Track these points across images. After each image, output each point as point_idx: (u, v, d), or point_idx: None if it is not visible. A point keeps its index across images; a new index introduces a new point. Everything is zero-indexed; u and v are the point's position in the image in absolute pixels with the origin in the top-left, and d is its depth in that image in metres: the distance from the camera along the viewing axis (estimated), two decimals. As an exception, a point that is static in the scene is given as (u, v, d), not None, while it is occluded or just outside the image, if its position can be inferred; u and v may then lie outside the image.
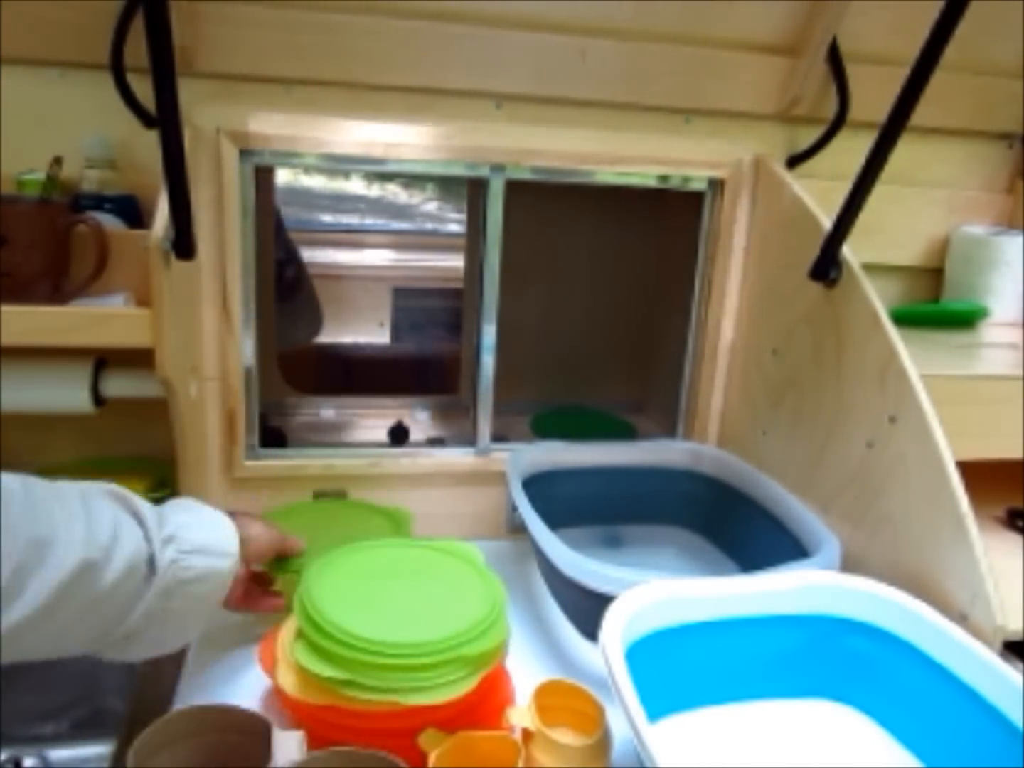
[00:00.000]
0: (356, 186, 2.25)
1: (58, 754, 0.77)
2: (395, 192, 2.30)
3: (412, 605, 0.65)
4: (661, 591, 0.64)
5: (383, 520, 0.90)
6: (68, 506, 0.54)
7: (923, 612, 0.65)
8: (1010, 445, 0.81)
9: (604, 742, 0.60)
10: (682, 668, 0.66)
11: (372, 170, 0.95)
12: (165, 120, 0.62)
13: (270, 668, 0.66)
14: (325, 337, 1.58)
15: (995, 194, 1.11)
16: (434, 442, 1.16)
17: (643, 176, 0.98)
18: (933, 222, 1.08)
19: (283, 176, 1.80)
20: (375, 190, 2.28)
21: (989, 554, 0.66)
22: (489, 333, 0.99)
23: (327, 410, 1.27)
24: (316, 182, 2.15)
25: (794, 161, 1.00)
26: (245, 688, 0.69)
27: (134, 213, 0.82)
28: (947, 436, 0.70)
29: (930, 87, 0.68)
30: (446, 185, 2.17)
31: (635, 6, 0.88)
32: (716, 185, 1.00)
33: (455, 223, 2.18)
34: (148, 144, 0.75)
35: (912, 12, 0.80)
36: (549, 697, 0.63)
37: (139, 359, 0.72)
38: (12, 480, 0.51)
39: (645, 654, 0.61)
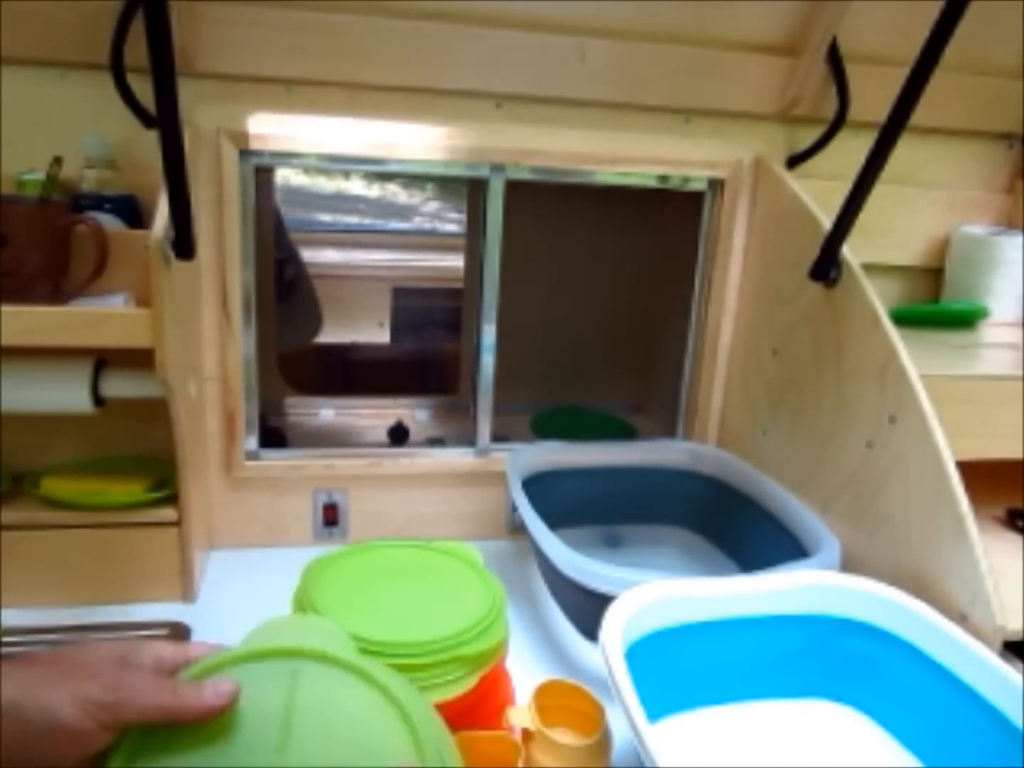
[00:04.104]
0: (356, 186, 2.25)
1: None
2: (395, 192, 2.30)
3: (411, 605, 0.65)
4: (661, 591, 0.64)
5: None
6: None
7: (923, 612, 0.65)
8: (1010, 445, 0.81)
9: (604, 742, 0.60)
10: (682, 668, 0.66)
11: (372, 170, 0.95)
12: (165, 120, 0.62)
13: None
14: (325, 337, 1.58)
15: (995, 194, 1.11)
16: (434, 442, 1.16)
17: (643, 176, 0.98)
18: (933, 222, 1.08)
19: (283, 176, 1.80)
20: (375, 190, 2.28)
21: (989, 554, 0.66)
22: (489, 333, 0.99)
23: (327, 410, 1.27)
24: (316, 182, 2.15)
25: (794, 161, 1.00)
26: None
27: (134, 213, 0.82)
28: (947, 436, 0.70)
29: (930, 87, 0.68)
30: (446, 185, 2.17)
31: (635, 6, 0.88)
32: (716, 185, 1.00)
33: (455, 223, 2.18)
34: (148, 144, 0.75)
35: (912, 12, 0.80)
36: (549, 697, 0.63)
37: (139, 359, 0.72)
38: None
39: (645, 654, 0.61)
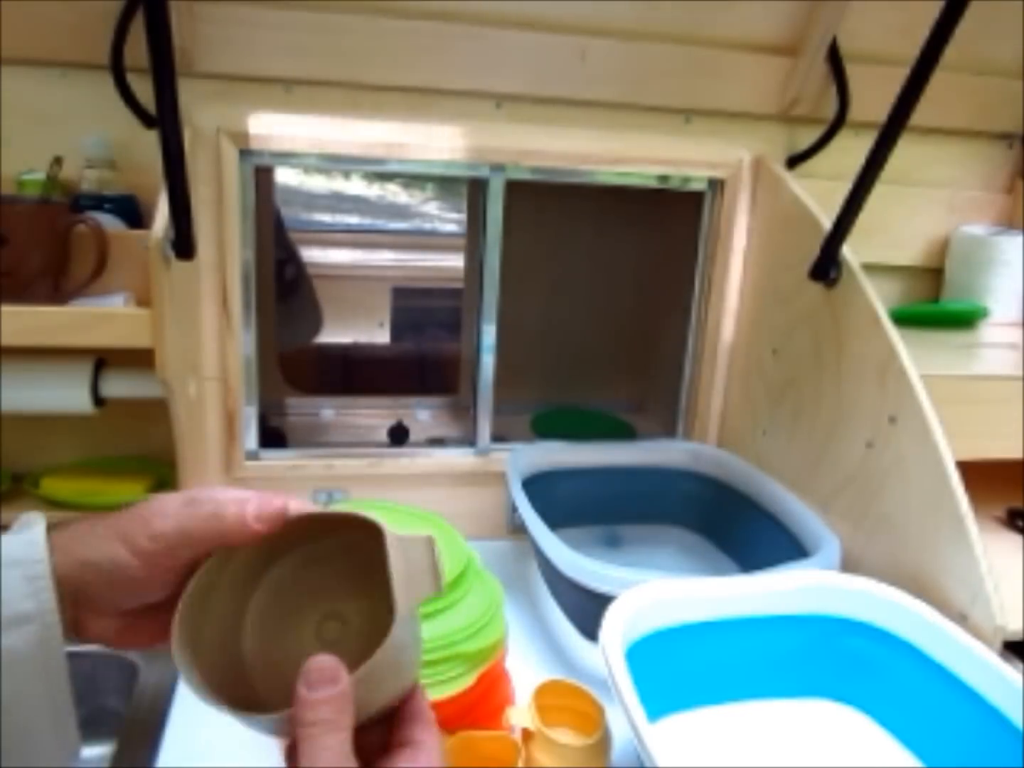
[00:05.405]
0: (356, 186, 2.25)
1: (58, 754, 0.77)
2: (395, 192, 2.31)
3: None
4: (661, 591, 0.64)
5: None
6: None
7: (923, 612, 0.65)
8: (1010, 445, 0.81)
9: (604, 742, 0.60)
10: (682, 668, 0.66)
11: (372, 170, 0.95)
12: (165, 120, 0.62)
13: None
14: (325, 337, 1.58)
15: (995, 194, 1.11)
16: (434, 442, 1.16)
17: (643, 176, 0.98)
18: (933, 222, 1.08)
19: (283, 176, 1.80)
20: (375, 190, 2.29)
21: (989, 554, 0.66)
22: (489, 333, 0.99)
23: (327, 410, 1.27)
24: (316, 182, 2.15)
25: (794, 161, 1.00)
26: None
27: (134, 213, 0.82)
28: (947, 436, 0.70)
29: (930, 87, 0.68)
30: (446, 185, 2.17)
31: (635, 6, 0.88)
32: (716, 185, 1.00)
33: (454, 223, 2.18)
34: (148, 144, 0.75)
35: (912, 12, 0.80)
36: (549, 697, 0.63)
37: (139, 359, 0.72)
38: None
39: (645, 654, 0.61)
